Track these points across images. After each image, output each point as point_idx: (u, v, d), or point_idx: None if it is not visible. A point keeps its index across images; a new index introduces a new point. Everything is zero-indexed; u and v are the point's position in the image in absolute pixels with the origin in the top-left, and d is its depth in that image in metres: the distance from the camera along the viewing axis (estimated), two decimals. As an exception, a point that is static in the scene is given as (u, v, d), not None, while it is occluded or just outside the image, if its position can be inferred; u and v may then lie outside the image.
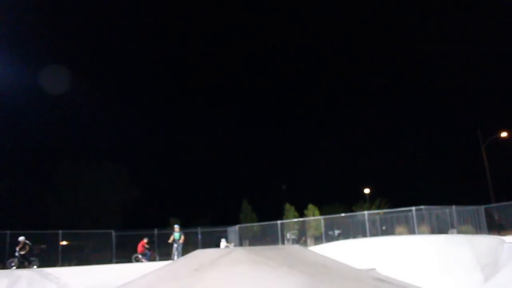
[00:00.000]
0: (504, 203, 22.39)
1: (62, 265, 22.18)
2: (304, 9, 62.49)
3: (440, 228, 21.78)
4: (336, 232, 26.65)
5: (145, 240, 22.70)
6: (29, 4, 44.79)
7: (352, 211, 30.52)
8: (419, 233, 21.15)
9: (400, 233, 22.43)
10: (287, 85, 67.95)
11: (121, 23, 57.18)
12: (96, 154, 40.94)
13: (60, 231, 23.97)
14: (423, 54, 56.88)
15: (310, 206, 31.24)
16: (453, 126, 51.32)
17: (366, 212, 24.73)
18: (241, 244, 28.31)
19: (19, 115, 37.98)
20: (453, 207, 22.26)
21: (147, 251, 22.49)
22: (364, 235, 23.40)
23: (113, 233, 25.72)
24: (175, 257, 20.90)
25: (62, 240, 24.26)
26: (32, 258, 20.51)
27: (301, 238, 28.65)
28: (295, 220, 30.02)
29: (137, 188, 40.39)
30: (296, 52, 66.59)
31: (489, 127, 33.72)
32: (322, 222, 26.22)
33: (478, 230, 21.67)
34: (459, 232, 20.77)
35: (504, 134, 30.56)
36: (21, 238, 19.87)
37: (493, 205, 24.92)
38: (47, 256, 23.34)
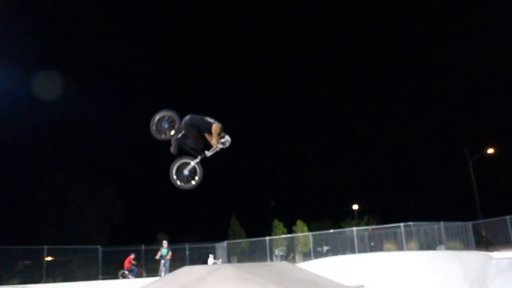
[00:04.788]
0: (492, 219, 22.57)
1: (47, 281, 21.71)
2: (303, 13, 63.23)
3: (428, 244, 21.87)
4: (325, 248, 26.65)
5: (132, 256, 22.44)
6: (20, 10, 44.63)
7: (340, 227, 30.54)
8: (408, 249, 21.18)
9: (389, 249, 22.43)
10: (276, 101, 68.37)
11: (114, 26, 57.02)
12: (82, 168, 40.49)
13: (45, 247, 23.49)
14: (412, 71, 57.82)
15: (299, 222, 31.16)
16: (441, 142, 52.00)
17: (354, 228, 24.78)
18: (229, 261, 28.06)
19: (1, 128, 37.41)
20: (441, 223, 22.39)
21: (134, 267, 22.23)
22: (352, 251, 23.39)
23: (100, 248, 25.33)
24: (162, 274, 20.65)
25: (47, 256, 23.79)
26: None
27: (289, 255, 28.50)
28: (284, 236, 29.88)
29: (124, 203, 39.89)
30: (288, 69, 67.16)
31: (476, 143, 34.15)
32: (311, 238, 26.19)
33: (466, 246, 21.78)
34: (447, 248, 20.86)
35: (491, 151, 30.92)
36: None
37: (481, 221, 25.09)
38: (31, 272, 22.89)
